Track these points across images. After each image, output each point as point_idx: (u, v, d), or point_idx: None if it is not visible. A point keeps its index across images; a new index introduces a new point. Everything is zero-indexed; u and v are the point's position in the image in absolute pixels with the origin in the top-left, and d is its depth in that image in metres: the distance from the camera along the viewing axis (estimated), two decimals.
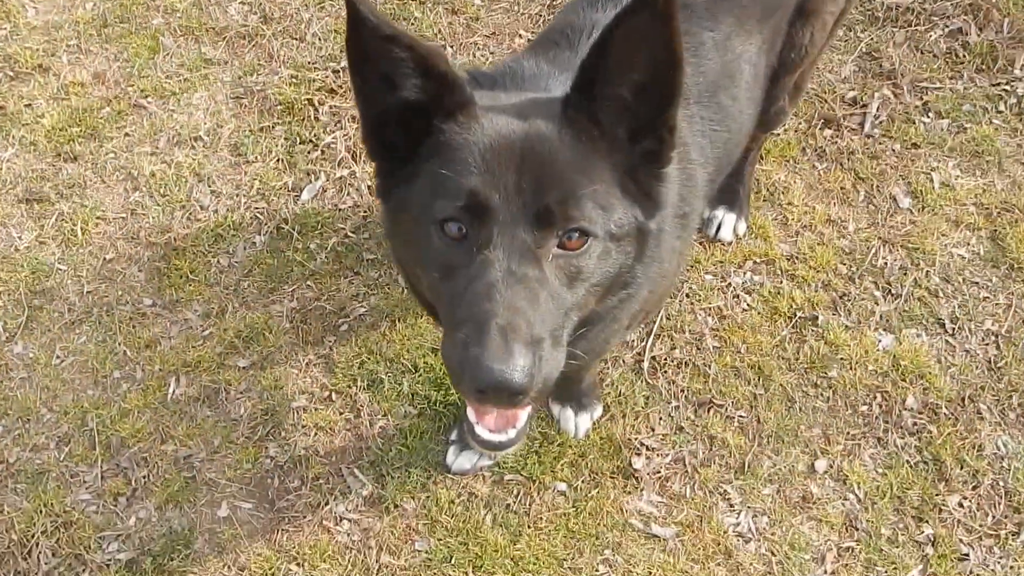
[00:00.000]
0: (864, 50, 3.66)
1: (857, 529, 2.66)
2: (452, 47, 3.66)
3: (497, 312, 1.53)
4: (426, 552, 2.61)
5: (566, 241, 1.61)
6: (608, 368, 2.91)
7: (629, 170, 1.68)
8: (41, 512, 2.66)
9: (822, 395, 2.89)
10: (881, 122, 3.47)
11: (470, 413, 1.85)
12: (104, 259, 3.14)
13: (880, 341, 2.97)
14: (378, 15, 1.54)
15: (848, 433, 2.82)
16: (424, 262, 1.71)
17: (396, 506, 2.68)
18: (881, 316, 3.02)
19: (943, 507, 2.68)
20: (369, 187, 3.26)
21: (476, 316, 1.55)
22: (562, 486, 2.71)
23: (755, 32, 2.29)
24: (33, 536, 2.62)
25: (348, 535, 2.64)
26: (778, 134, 3.42)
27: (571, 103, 1.65)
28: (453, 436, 2.76)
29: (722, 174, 2.45)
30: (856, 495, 2.71)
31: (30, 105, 3.48)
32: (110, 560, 2.60)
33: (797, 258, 3.15)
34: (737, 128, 2.31)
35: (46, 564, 2.59)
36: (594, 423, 2.80)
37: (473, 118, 1.66)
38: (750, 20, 2.27)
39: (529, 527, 2.64)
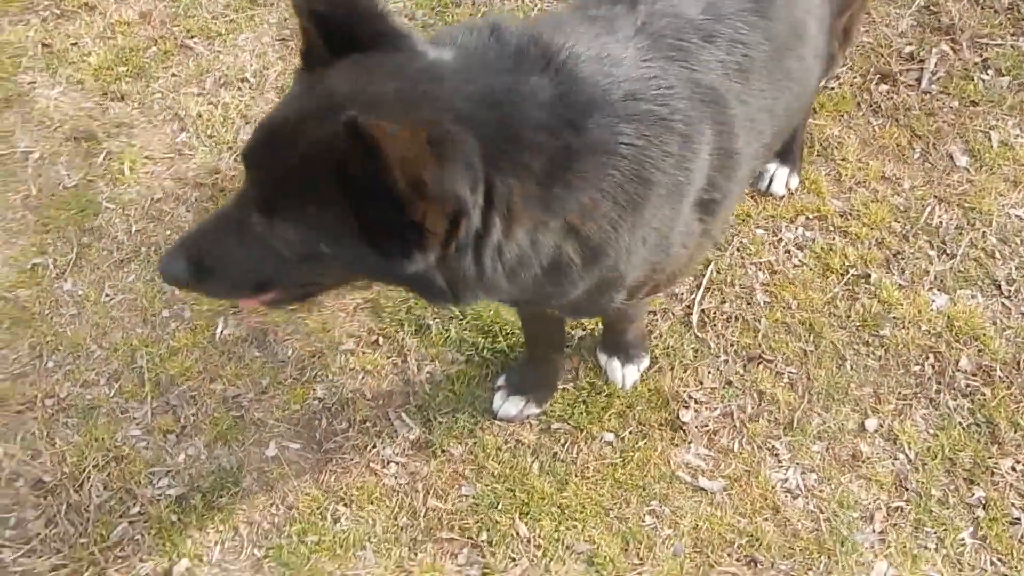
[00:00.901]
0: (922, 4, 3.58)
1: (907, 489, 2.63)
2: None
3: (194, 232, 1.76)
4: (473, 497, 2.61)
5: None
6: (657, 320, 2.88)
7: (363, 228, 1.55)
8: (92, 446, 2.68)
9: (874, 354, 2.85)
10: (939, 78, 3.40)
11: None
12: (152, 199, 3.13)
13: (934, 301, 2.93)
14: None
15: (900, 393, 2.78)
16: None
17: (443, 451, 2.68)
18: (935, 276, 2.98)
19: (995, 470, 2.65)
20: None
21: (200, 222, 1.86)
22: (609, 436, 2.70)
23: None
24: (85, 470, 2.64)
25: (395, 478, 2.65)
26: (832, 87, 3.36)
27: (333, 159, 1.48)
28: (500, 382, 2.75)
29: (781, 140, 2.37)
30: (907, 455, 2.68)
31: (76, 44, 3.47)
32: (160, 495, 2.62)
33: (850, 215, 3.11)
34: (800, 91, 2.19)
35: (98, 497, 2.61)
36: (641, 375, 2.78)
37: (313, 76, 1.62)
38: None
39: (576, 476, 2.64)
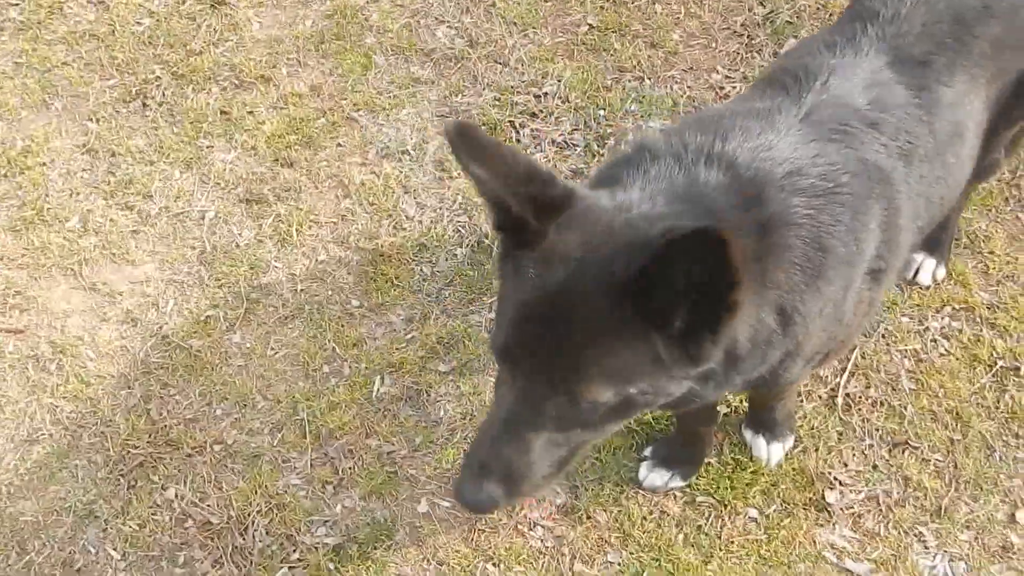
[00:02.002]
0: None
1: None
2: (650, 79, 3.75)
3: (480, 450, 1.75)
4: (618, 564, 2.67)
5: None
6: (801, 401, 2.92)
7: (670, 341, 1.60)
8: (256, 492, 2.83)
9: None
10: None
11: None
12: (316, 260, 3.32)
13: None
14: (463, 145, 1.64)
15: None
16: None
17: (589, 517, 2.75)
18: None
19: None
20: None
21: (475, 439, 1.80)
22: (754, 512, 2.74)
23: (982, 89, 2.27)
24: (249, 515, 2.79)
25: (542, 541, 2.73)
26: None
27: (629, 291, 1.55)
28: (647, 453, 2.82)
29: (931, 228, 2.43)
30: None
31: (252, 112, 3.72)
32: (318, 543, 2.74)
33: (998, 307, 3.11)
34: (955, 184, 2.32)
35: (260, 542, 2.75)
36: (786, 453, 2.82)
37: (538, 252, 1.64)
38: (982, 78, 2.25)
39: (720, 549, 2.68)
